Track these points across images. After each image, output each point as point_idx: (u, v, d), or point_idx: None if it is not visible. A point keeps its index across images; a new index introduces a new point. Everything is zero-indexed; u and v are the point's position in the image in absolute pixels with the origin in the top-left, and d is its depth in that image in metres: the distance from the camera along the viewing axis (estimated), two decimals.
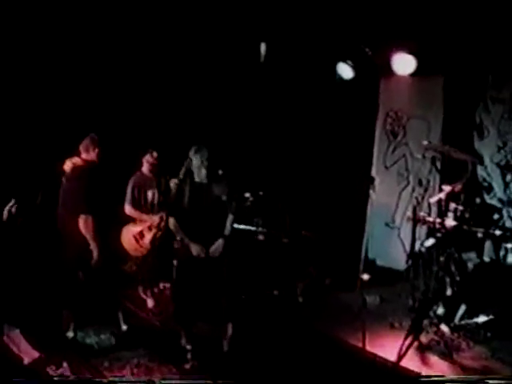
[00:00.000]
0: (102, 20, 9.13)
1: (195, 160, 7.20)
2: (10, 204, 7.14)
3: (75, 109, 9.56)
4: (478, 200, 8.77)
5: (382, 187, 9.77)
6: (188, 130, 9.78)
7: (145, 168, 9.07)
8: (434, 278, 8.11)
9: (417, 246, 8.80)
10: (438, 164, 8.94)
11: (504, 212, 9.04)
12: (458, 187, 8.15)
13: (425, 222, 8.52)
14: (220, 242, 7.16)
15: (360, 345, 7.35)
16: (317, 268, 9.87)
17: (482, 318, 7.77)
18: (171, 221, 7.30)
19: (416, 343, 7.32)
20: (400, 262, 9.83)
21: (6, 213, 7.15)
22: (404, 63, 9.76)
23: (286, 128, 10.74)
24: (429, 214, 8.73)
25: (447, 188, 8.19)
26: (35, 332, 7.46)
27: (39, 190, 7.95)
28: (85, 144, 7.70)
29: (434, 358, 7.31)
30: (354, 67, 10.23)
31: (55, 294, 8.11)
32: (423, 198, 9.21)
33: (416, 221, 8.56)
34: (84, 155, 7.69)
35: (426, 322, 7.87)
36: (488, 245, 8.36)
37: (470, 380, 6.27)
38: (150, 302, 9.14)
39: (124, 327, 8.09)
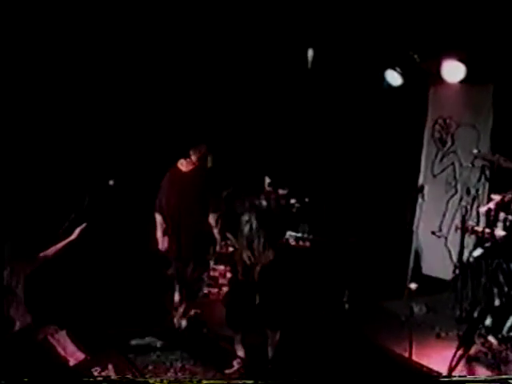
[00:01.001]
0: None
1: None
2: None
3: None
4: None
5: (429, 195, 9.65)
6: (236, 137, 9.86)
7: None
8: (482, 288, 8.01)
9: (465, 256, 8.69)
10: (488, 173, 8.82)
11: None
12: (508, 197, 8.04)
13: (473, 231, 8.43)
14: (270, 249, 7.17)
15: (406, 354, 7.29)
16: (364, 275, 9.81)
17: None
18: (211, 216, 7.38)
19: (460, 353, 7.22)
20: (446, 271, 9.69)
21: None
22: (453, 70, 9.65)
23: (333, 135, 10.71)
24: (477, 224, 8.62)
25: (497, 197, 8.08)
26: (81, 333, 7.52)
27: (86, 194, 8.12)
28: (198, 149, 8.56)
29: (481, 370, 7.20)
30: (403, 74, 10.14)
31: (104, 294, 8.23)
32: (471, 207, 9.10)
33: (465, 230, 8.46)
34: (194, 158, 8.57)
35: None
36: None
37: (493, 379, 6.19)
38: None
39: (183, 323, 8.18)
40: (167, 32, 9.66)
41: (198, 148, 8.64)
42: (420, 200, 9.34)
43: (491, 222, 8.11)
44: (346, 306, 9.28)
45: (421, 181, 10.48)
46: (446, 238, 10.20)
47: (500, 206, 8.05)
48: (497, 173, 8.78)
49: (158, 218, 8.72)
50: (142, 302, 9.02)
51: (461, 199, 10.01)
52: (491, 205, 8.12)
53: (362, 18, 9.18)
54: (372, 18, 9.13)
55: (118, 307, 8.64)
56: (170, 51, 9.93)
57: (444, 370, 6.87)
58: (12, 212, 8.13)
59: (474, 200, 9.15)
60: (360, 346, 7.92)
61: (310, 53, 10.23)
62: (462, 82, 9.78)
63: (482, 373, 7.13)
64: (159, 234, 8.71)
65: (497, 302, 8.02)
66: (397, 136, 10.53)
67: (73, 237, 7.73)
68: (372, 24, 9.26)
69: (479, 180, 8.69)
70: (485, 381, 6.17)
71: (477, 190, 8.98)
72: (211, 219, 8.60)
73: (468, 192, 9.62)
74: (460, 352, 6.97)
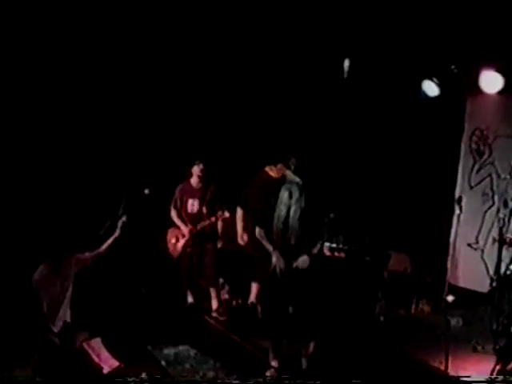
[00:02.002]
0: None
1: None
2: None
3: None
4: None
5: (466, 207, 9.57)
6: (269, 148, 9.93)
7: (193, 179, 9.51)
8: None
9: (502, 269, 8.59)
10: None
11: None
12: None
13: (511, 243, 8.33)
14: (305, 257, 7.14)
15: (442, 367, 7.21)
16: (399, 287, 9.75)
17: None
18: (257, 230, 7.42)
19: (499, 368, 7.13)
20: (482, 284, 9.58)
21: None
22: (491, 81, 9.58)
23: (371, 146, 10.69)
24: None
25: None
26: (115, 341, 7.55)
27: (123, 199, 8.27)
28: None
29: None
30: (440, 85, 10.09)
31: (138, 301, 8.28)
32: (509, 219, 9.00)
33: (502, 242, 8.37)
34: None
35: None
36: None
37: None
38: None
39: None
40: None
41: (291, 159, 8.83)
42: (457, 211, 9.26)
43: None
44: (381, 318, 9.23)
45: (457, 192, 10.36)
46: (482, 251, 10.09)
47: None
48: None
49: (240, 212, 9.19)
50: (176, 309, 9.07)
51: (498, 211, 9.88)
52: None
53: (399, 28, 9.17)
54: (410, 28, 9.11)
55: (153, 315, 8.66)
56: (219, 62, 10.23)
57: None
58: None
59: (511, 212, 9.03)
60: (395, 359, 7.85)
61: (346, 63, 10.22)
62: (499, 92, 9.71)
63: None
64: (239, 229, 9.17)
65: None
66: (433, 147, 10.46)
67: (117, 234, 8.01)
68: (410, 34, 9.25)
69: None
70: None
71: None
72: None
73: (505, 204, 9.48)
74: (498, 367, 6.88)
